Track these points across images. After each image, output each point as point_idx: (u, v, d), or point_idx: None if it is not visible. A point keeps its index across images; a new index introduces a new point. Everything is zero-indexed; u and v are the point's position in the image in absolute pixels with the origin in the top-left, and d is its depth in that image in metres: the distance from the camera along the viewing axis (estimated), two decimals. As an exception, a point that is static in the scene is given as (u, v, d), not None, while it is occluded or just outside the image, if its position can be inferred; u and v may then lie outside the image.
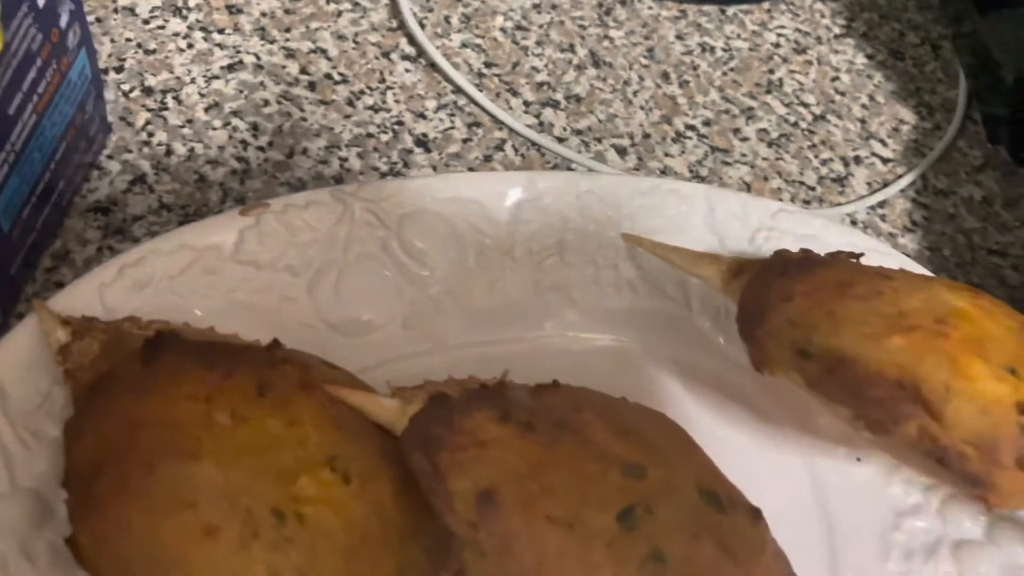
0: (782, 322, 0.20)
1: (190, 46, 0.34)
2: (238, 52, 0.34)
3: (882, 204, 0.36)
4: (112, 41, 0.34)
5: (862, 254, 0.24)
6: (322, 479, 0.18)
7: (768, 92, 0.39)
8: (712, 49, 0.40)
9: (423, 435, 0.19)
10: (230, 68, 0.34)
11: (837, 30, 0.43)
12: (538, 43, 0.38)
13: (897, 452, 0.19)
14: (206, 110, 0.32)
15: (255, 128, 0.32)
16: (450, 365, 0.25)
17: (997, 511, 0.18)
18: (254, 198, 0.30)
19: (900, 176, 0.37)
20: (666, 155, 0.36)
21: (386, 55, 0.36)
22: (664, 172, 0.35)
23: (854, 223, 0.36)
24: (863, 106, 0.40)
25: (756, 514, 0.20)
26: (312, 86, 0.34)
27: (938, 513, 0.26)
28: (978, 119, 0.40)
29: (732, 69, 0.40)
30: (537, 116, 0.36)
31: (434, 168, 0.33)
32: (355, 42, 0.36)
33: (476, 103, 0.35)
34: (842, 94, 0.40)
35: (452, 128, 0.34)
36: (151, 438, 0.18)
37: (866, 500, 0.26)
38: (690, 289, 0.28)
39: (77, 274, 0.27)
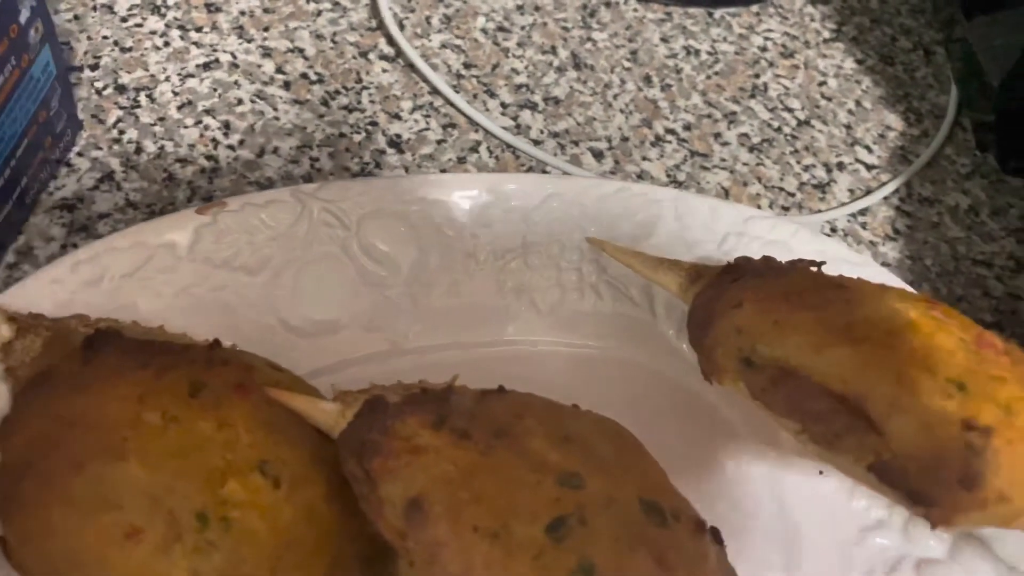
0: (729, 330, 0.20)
1: (166, 44, 0.34)
2: (214, 51, 0.34)
3: (864, 212, 0.36)
4: (89, 39, 0.34)
5: (823, 263, 0.23)
6: (250, 483, 0.18)
7: (752, 96, 0.39)
8: (697, 52, 0.40)
9: (357, 440, 0.19)
10: (205, 67, 0.34)
11: (827, 34, 0.43)
12: (519, 44, 0.38)
13: (845, 468, 0.19)
14: (179, 108, 0.32)
15: (227, 127, 0.32)
16: (408, 368, 0.25)
17: (944, 530, 0.17)
18: (221, 197, 0.30)
19: (884, 183, 0.37)
20: (644, 159, 0.35)
21: (364, 55, 0.36)
22: (641, 176, 0.35)
23: (833, 230, 0.35)
24: (849, 111, 0.39)
25: (701, 527, 0.20)
26: (287, 85, 0.34)
27: (902, 530, 0.25)
28: (968, 126, 0.39)
29: (716, 73, 0.39)
30: (514, 118, 0.35)
31: (406, 169, 0.33)
32: (333, 41, 0.36)
33: (452, 104, 0.35)
34: (828, 99, 0.40)
35: (427, 129, 0.34)
36: (80, 437, 0.18)
37: (829, 514, 0.25)
38: (655, 295, 0.28)
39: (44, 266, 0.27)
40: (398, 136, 0.34)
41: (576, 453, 0.19)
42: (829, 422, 0.18)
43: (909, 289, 0.28)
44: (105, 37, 0.34)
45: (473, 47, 0.37)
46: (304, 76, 0.35)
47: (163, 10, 0.35)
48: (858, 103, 0.40)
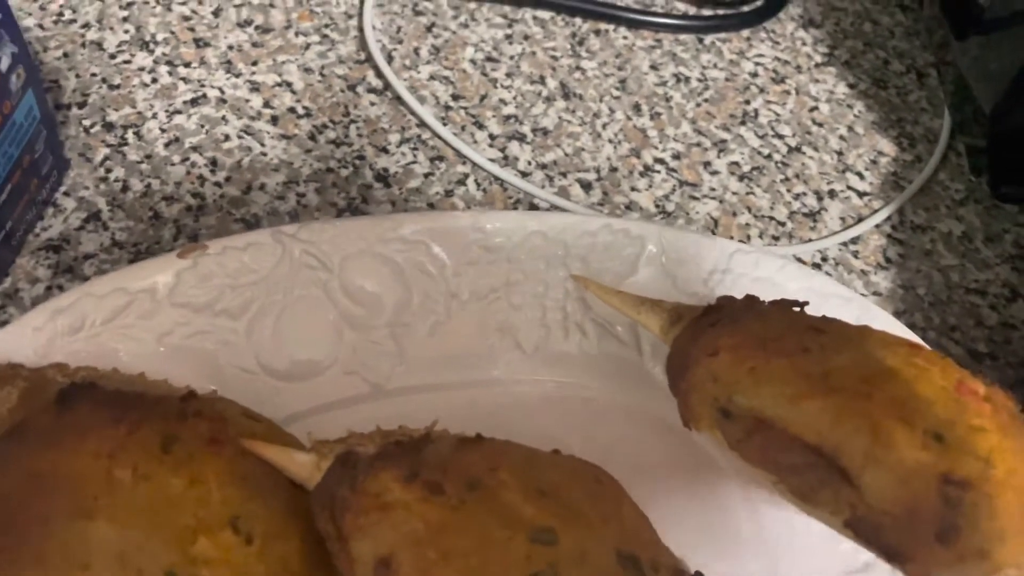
0: (706, 377, 0.20)
1: (154, 80, 0.34)
2: (202, 86, 0.35)
3: (855, 240, 0.36)
4: (77, 76, 0.34)
5: (806, 303, 0.23)
6: (221, 540, 0.18)
7: (742, 123, 0.39)
8: (687, 79, 0.40)
9: (328, 496, 0.19)
10: (193, 102, 0.34)
11: (819, 58, 0.42)
12: (508, 75, 0.38)
13: (823, 519, 0.19)
14: (166, 145, 0.33)
15: (214, 163, 0.32)
16: (392, 411, 0.24)
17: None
18: (207, 235, 0.30)
19: (876, 211, 0.36)
20: (632, 189, 0.35)
21: (352, 88, 0.36)
22: (629, 207, 0.35)
23: (824, 260, 0.35)
24: (841, 137, 0.39)
25: (680, 577, 0.19)
26: (275, 120, 0.34)
27: (890, 573, 0.25)
28: (962, 151, 0.39)
29: (706, 100, 0.39)
30: (502, 150, 0.35)
31: (393, 204, 0.33)
32: (321, 75, 0.36)
33: (440, 137, 0.35)
34: (820, 125, 0.39)
35: (414, 163, 0.34)
36: (50, 494, 0.18)
37: (815, 556, 0.25)
38: (641, 333, 0.28)
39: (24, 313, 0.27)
40: (385, 170, 0.34)
41: (551, 506, 0.19)
42: (805, 475, 0.18)
43: (897, 327, 0.28)
44: (94, 74, 0.34)
45: (461, 78, 0.37)
46: (292, 110, 0.35)
47: (151, 46, 0.35)
48: (850, 128, 0.40)
